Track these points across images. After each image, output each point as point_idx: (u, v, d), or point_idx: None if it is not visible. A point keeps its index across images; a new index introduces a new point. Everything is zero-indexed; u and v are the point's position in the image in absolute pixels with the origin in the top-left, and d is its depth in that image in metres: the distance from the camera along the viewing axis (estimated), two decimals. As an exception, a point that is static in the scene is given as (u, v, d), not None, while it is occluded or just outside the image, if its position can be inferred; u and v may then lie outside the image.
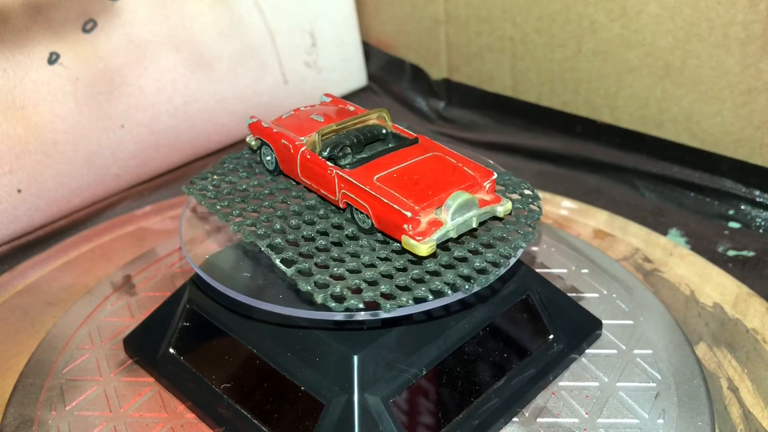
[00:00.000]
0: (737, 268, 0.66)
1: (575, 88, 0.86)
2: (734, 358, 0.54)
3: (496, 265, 0.42)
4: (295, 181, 0.49)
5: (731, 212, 0.75)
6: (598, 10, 0.80)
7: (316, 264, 0.42)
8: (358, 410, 0.42)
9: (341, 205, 0.45)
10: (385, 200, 0.41)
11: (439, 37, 0.97)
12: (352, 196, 0.44)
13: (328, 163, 0.45)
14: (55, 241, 0.72)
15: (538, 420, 0.48)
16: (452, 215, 0.41)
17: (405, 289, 0.40)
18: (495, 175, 0.44)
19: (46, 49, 0.72)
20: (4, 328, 0.59)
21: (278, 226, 0.45)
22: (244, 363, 0.48)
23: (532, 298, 0.51)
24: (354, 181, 0.43)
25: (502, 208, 0.43)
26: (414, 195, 0.42)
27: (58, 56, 0.73)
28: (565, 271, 0.62)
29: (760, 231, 0.72)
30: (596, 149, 0.85)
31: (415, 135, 0.48)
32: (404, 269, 0.42)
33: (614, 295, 0.58)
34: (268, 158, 0.50)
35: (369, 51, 1.05)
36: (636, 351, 0.53)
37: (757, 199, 0.75)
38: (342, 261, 0.42)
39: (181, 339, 0.51)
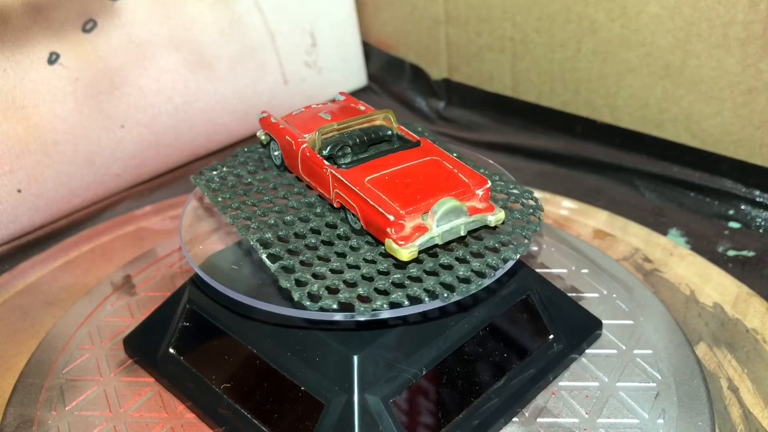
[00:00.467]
0: (737, 268, 0.66)
1: (575, 88, 0.86)
2: (734, 358, 0.54)
3: (481, 275, 0.41)
4: (298, 177, 0.50)
5: (731, 212, 0.75)
6: (598, 10, 0.80)
7: (301, 261, 0.42)
8: (358, 410, 0.42)
9: (335, 205, 0.45)
10: (371, 202, 0.41)
11: (439, 37, 0.97)
12: (344, 196, 0.44)
13: (325, 161, 0.45)
14: (55, 241, 0.72)
15: (538, 420, 0.48)
16: (437, 222, 0.41)
17: (383, 293, 0.40)
18: (489, 184, 0.43)
19: (46, 49, 0.72)
20: (4, 328, 0.59)
21: (272, 221, 0.46)
22: (244, 363, 0.48)
23: (532, 298, 0.51)
24: (345, 181, 0.43)
25: (494, 217, 0.42)
26: (401, 199, 0.41)
27: (58, 56, 0.73)
28: (565, 271, 0.62)
29: (760, 231, 0.72)
30: (596, 149, 0.85)
31: (418, 138, 0.47)
32: (387, 273, 0.41)
33: (614, 295, 0.58)
34: (276, 153, 0.51)
35: (369, 51, 1.05)
36: (636, 351, 0.53)
37: (757, 199, 0.75)
38: (327, 260, 0.42)
39: (181, 339, 0.51)
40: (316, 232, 0.45)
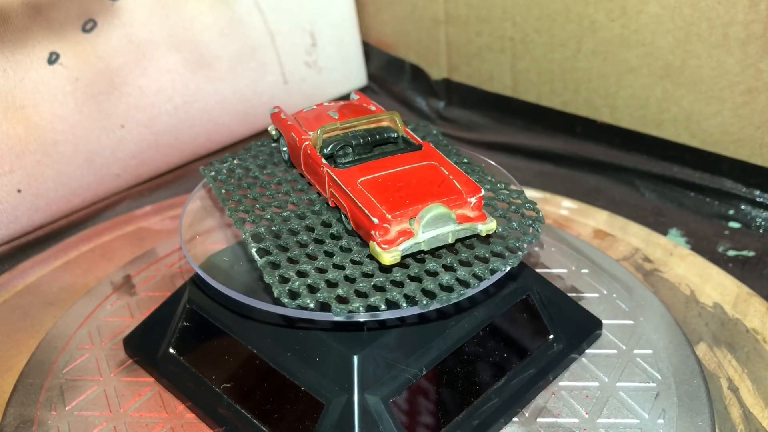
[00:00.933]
0: (737, 268, 0.66)
1: (575, 88, 0.86)
2: (734, 358, 0.54)
3: (465, 284, 0.40)
4: (302, 174, 0.50)
5: (731, 212, 0.75)
6: (598, 10, 0.80)
7: (288, 258, 0.42)
8: (358, 410, 0.42)
9: (331, 204, 0.45)
10: (359, 203, 0.41)
11: (439, 37, 0.97)
12: (337, 195, 0.44)
13: (323, 160, 0.45)
14: (55, 241, 0.72)
15: (538, 420, 0.48)
16: (423, 228, 0.40)
17: (362, 295, 0.40)
18: (482, 193, 0.42)
19: (46, 49, 0.72)
20: (4, 328, 0.59)
21: (269, 216, 0.46)
22: (244, 363, 0.48)
23: (532, 298, 0.51)
24: (338, 181, 0.43)
25: (485, 227, 0.42)
26: (390, 202, 0.41)
27: (58, 56, 0.73)
28: (565, 271, 0.62)
29: (760, 231, 0.72)
30: (596, 149, 0.85)
31: (421, 141, 0.47)
32: (371, 275, 0.41)
33: (614, 295, 0.58)
34: (284, 149, 0.51)
35: (369, 51, 1.05)
36: (636, 351, 0.53)
37: (757, 199, 0.75)
38: (314, 258, 0.42)
39: (181, 339, 0.51)
40: (310, 229, 0.45)
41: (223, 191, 0.49)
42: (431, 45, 0.99)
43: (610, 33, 0.80)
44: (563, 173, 0.84)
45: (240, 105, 0.89)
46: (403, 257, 0.41)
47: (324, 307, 0.39)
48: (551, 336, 0.51)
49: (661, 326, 0.55)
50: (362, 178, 0.43)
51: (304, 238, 0.44)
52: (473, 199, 0.42)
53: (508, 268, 0.42)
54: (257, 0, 0.88)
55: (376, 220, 0.40)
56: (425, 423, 0.44)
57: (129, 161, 0.81)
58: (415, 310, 0.40)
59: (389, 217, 0.40)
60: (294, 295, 0.40)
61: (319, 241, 0.44)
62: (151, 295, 0.61)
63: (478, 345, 0.48)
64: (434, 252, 0.42)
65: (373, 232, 0.40)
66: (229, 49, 0.87)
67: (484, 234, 0.42)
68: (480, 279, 0.41)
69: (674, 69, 0.77)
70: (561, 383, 0.50)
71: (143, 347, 0.53)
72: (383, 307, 0.39)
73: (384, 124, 0.48)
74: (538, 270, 0.57)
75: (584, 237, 0.68)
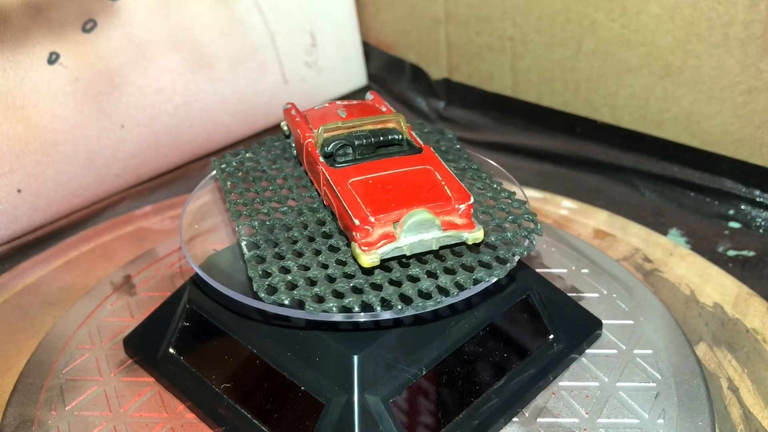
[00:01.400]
0: (737, 268, 0.66)
1: (575, 88, 0.86)
2: (734, 358, 0.54)
3: (444, 292, 0.40)
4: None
5: (731, 212, 0.75)
6: (598, 10, 0.80)
7: (276, 254, 0.43)
8: (358, 410, 0.42)
9: (325, 202, 0.45)
10: (344, 204, 0.41)
11: (439, 37, 0.97)
12: (328, 194, 0.44)
13: (321, 158, 0.45)
14: (55, 241, 0.72)
15: (538, 420, 0.48)
16: (405, 232, 0.40)
17: (339, 295, 0.40)
18: (471, 200, 0.41)
19: (46, 49, 0.72)
20: (4, 328, 0.59)
21: (265, 211, 0.46)
22: (244, 363, 0.48)
23: (532, 298, 0.51)
24: (330, 180, 0.43)
25: (471, 235, 0.41)
26: (375, 204, 0.40)
27: (58, 56, 0.73)
28: (565, 271, 0.62)
29: (760, 231, 0.72)
30: (596, 149, 0.85)
31: (422, 145, 0.46)
32: (352, 276, 0.41)
33: (614, 295, 0.58)
34: (293, 145, 0.51)
35: (369, 51, 1.05)
36: (636, 351, 0.53)
37: (757, 199, 0.75)
38: (301, 255, 0.43)
39: (181, 339, 0.51)
40: (304, 226, 0.45)
41: (228, 183, 0.49)
42: (431, 45, 0.99)
43: (610, 33, 0.80)
44: (563, 173, 0.84)
45: (240, 105, 0.89)
46: (387, 260, 0.41)
47: (301, 304, 0.39)
48: (551, 336, 0.51)
49: (661, 326, 0.55)
50: (353, 179, 0.43)
51: (296, 234, 0.44)
52: (462, 206, 0.41)
53: (494, 279, 0.41)
54: (257, 0, 0.88)
55: (357, 222, 0.40)
56: (425, 423, 0.44)
57: (129, 161, 0.81)
58: (389, 315, 0.39)
59: (372, 219, 0.40)
60: (273, 290, 0.40)
61: (311, 239, 0.44)
62: (151, 295, 0.61)
63: (478, 345, 0.48)
64: (421, 257, 0.42)
65: (354, 234, 0.40)
66: (229, 49, 0.87)
67: (470, 243, 0.41)
68: (461, 288, 0.40)
69: (674, 69, 0.77)
70: (561, 383, 0.50)
71: (143, 347, 0.53)
72: (357, 309, 0.39)
73: (390, 125, 0.47)
74: (538, 270, 0.57)
75: (584, 237, 0.68)
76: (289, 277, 0.41)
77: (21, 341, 0.58)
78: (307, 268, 0.42)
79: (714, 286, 0.61)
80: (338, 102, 0.53)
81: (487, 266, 0.42)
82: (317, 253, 0.43)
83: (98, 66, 0.76)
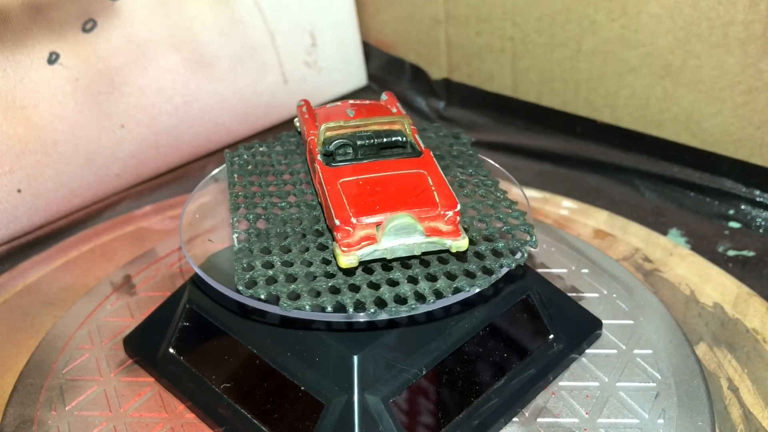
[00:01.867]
0: (737, 268, 0.66)
1: (575, 88, 0.86)
2: (734, 358, 0.54)
3: (421, 298, 0.40)
4: None
5: (731, 212, 0.75)
6: (598, 10, 0.80)
7: (264, 248, 0.43)
8: (358, 410, 0.42)
9: (321, 200, 0.46)
10: (329, 203, 0.41)
11: (439, 37, 0.97)
12: (318, 192, 0.44)
13: (318, 156, 0.45)
14: (55, 241, 0.72)
15: (538, 420, 0.48)
16: (386, 236, 0.39)
17: (315, 294, 0.40)
18: (458, 207, 0.41)
19: (46, 49, 0.72)
20: (4, 328, 0.59)
21: (263, 205, 0.46)
22: (244, 363, 0.48)
23: (532, 298, 0.51)
24: (321, 179, 0.43)
25: (455, 243, 0.40)
26: (359, 206, 0.40)
27: (58, 56, 0.73)
28: (565, 271, 0.62)
29: (760, 231, 0.72)
30: (596, 149, 0.85)
31: (423, 148, 0.46)
32: (333, 275, 0.41)
33: (614, 295, 0.58)
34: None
35: (369, 51, 1.05)
36: (636, 351, 0.53)
37: (757, 199, 0.75)
38: (288, 251, 0.43)
39: (181, 339, 0.51)
40: (299, 222, 0.45)
41: (236, 176, 0.50)
42: (431, 45, 0.99)
43: (610, 33, 0.80)
44: (563, 173, 0.84)
45: (240, 105, 0.89)
46: (370, 263, 0.41)
47: (278, 300, 0.40)
48: (551, 336, 0.51)
49: (661, 326, 0.55)
50: (344, 179, 0.42)
51: (288, 230, 0.44)
52: (448, 213, 0.40)
53: (476, 290, 0.41)
54: (257, 0, 0.88)
55: (338, 222, 0.40)
56: (425, 423, 0.44)
57: (129, 161, 0.81)
58: (362, 317, 0.39)
59: (353, 220, 0.39)
60: (253, 284, 0.40)
61: (303, 236, 0.44)
62: (151, 295, 0.61)
63: (478, 345, 0.48)
64: (406, 262, 0.42)
65: (336, 233, 0.40)
66: (229, 49, 0.87)
67: (453, 251, 0.41)
68: (440, 296, 0.40)
69: (674, 69, 0.77)
70: (561, 383, 0.50)
71: (143, 347, 0.53)
72: (329, 309, 0.39)
73: (394, 127, 0.47)
74: (538, 270, 0.57)
75: (584, 237, 0.68)
76: (270, 272, 0.41)
77: (21, 341, 0.58)
78: (291, 265, 0.42)
79: (714, 286, 0.61)
80: (350, 101, 0.53)
81: (471, 276, 0.41)
82: (305, 250, 0.43)
83: (98, 66, 0.76)
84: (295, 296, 0.40)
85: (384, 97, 0.54)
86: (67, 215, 0.77)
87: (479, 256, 0.43)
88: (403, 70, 1.04)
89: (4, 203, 0.71)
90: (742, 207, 0.75)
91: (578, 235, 0.68)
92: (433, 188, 0.42)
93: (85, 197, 0.78)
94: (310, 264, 0.42)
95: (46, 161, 0.73)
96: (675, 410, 0.48)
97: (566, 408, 0.48)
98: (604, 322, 0.55)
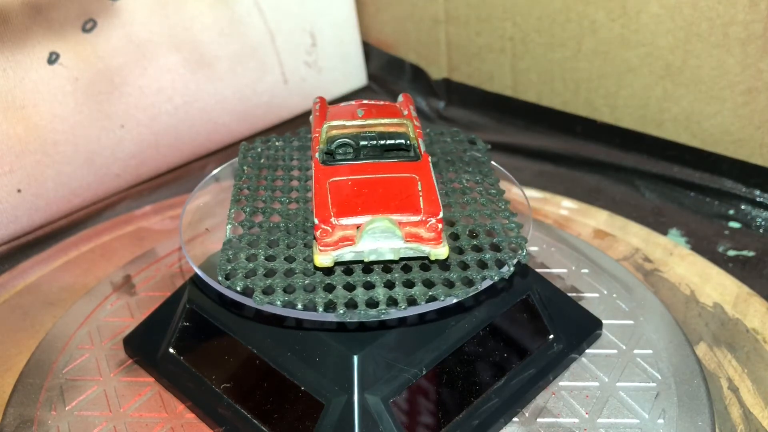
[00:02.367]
0: (737, 268, 0.66)
1: (575, 88, 0.86)
2: (734, 358, 0.54)
3: (394, 303, 0.39)
4: None
5: (731, 212, 0.75)
6: (598, 10, 0.80)
7: (251, 240, 0.44)
8: (358, 410, 0.42)
9: None
10: (314, 201, 0.41)
11: (439, 37, 0.97)
12: (311, 190, 0.44)
13: (317, 155, 0.45)
14: (55, 241, 0.72)
15: (538, 420, 0.48)
16: (362, 238, 0.39)
17: (290, 290, 0.40)
18: (440, 215, 0.40)
19: (46, 49, 0.72)
20: (4, 328, 0.59)
21: (263, 198, 0.47)
22: (244, 363, 0.48)
23: (532, 298, 0.51)
24: (313, 177, 0.43)
25: (434, 251, 0.40)
26: (342, 206, 0.40)
27: (58, 56, 0.73)
28: (565, 271, 0.62)
29: (761, 231, 0.72)
30: (596, 149, 0.85)
31: (422, 152, 0.45)
32: (312, 273, 0.41)
33: (614, 295, 0.58)
34: None
35: (369, 51, 1.05)
36: (636, 351, 0.53)
37: (758, 199, 0.75)
38: (275, 246, 0.43)
39: (181, 339, 0.51)
40: (295, 218, 0.46)
41: (245, 168, 0.50)
42: (431, 45, 0.99)
43: (610, 33, 0.80)
44: (563, 173, 0.84)
45: (240, 105, 0.89)
46: (350, 263, 0.41)
47: (249, 293, 0.40)
48: (551, 336, 0.51)
49: (661, 326, 0.55)
50: (334, 178, 0.42)
51: (281, 225, 0.45)
52: (431, 220, 0.40)
53: (453, 301, 0.40)
54: (257, 0, 0.88)
55: (316, 221, 0.40)
56: (425, 423, 0.44)
57: (129, 161, 0.81)
58: (330, 318, 0.39)
59: (333, 220, 0.40)
60: (232, 275, 0.41)
61: (293, 232, 0.45)
62: (151, 295, 0.61)
63: (478, 345, 0.48)
64: (388, 266, 0.42)
65: (315, 232, 0.40)
66: (229, 49, 0.87)
67: (432, 258, 0.41)
68: (413, 303, 0.39)
69: (674, 69, 0.77)
70: (561, 383, 0.50)
71: (143, 347, 0.53)
72: (300, 306, 0.39)
73: (399, 129, 0.46)
74: (538, 270, 0.57)
75: (584, 237, 0.68)
76: (251, 266, 0.42)
77: (21, 341, 0.58)
78: (273, 259, 0.42)
79: (714, 286, 0.61)
80: (365, 101, 0.52)
81: (449, 285, 0.40)
82: (291, 246, 0.43)
83: (98, 66, 0.76)
84: (271, 291, 0.40)
85: (401, 98, 0.54)
86: (67, 215, 0.77)
87: (463, 265, 0.42)
88: (403, 70, 1.04)
89: (4, 203, 0.71)
90: (742, 207, 0.75)
91: (578, 235, 0.68)
92: (420, 194, 0.41)
93: (85, 197, 0.78)
94: (292, 260, 0.42)
95: (46, 161, 0.73)
96: (675, 410, 0.48)
97: (566, 408, 0.48)
98: (604, 322, 0.55)
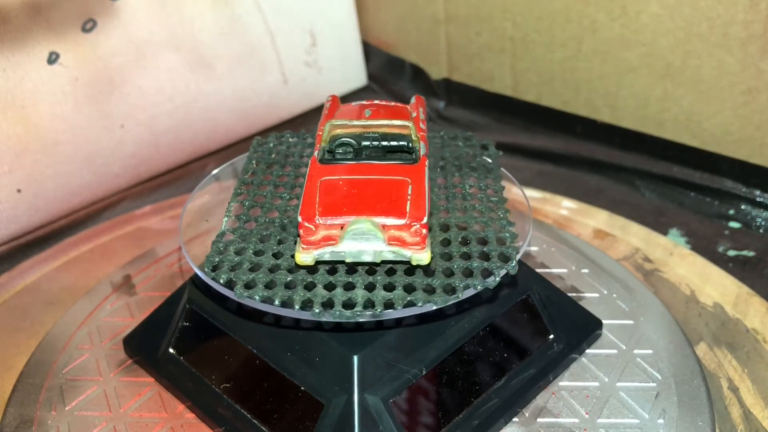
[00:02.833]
0: (737, 268, 0.66)
1: (575, 87, 0.86)
2: (734, 358, 0.54)
3: (371, 305, 0.39)
4: None
5: (731, 212, 0.75)
6: (598, 9, 0.80)
7: (242, 235, 0.44)
8: (358, 410, 0.42)
9: None
10: (302, 199, 0.41)
11: (439, 37, 0.97)
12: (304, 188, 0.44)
13: (315, 153, 0.45)
14: (55, 241, 0.72)
15: (538, 420, 0.48)
16: (344, 238, 0.39)
17: (271, 286, 0.40)
18: (424, 220, 0.40)
19: (45, 49, 0.72)
20: (4, 328, 0.59)
21: (264, 194, 0.47)
22: (244, 363, 0.48)
23: (532, 298, 0.51)
24: (306, 174, 0.44)
25: (416, 256, 0.40)
26: (328, 205, 0.40)
27: (57, 56, 0.73)
28: (565, 271, 0.62)
29: (761, 231, 0.72)
30: (596, 149, 0.85)
31: (421, 156, 0.45)
32: (293, 271, 0.41)
33: (614, 295, 0.58)
34: None
35: (369, 51, 1.05)
36: (636, 351, 0.53)
37: (758, 199, 0.75)
38: (266, 241, 0.44)
39: (181, 339, 0.51)
40: (289, 215, 0.46)
41: (254, 162, 0.51)
42: (431, 45, 0.99)
43: (611, 33, 0.80)
44: (563, 173, 0.84)
45: (240, 105, 0.89)
46: (333, 263, 0.41)
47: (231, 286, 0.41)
48: (551, 336, 0.51)
49: (661, 326, 0.55)
50: (326, 177, 0.43)
51: (276, 221, 0.45)
52: (415, 225, 0.40)
53: (433, 308, 0.39)
54: (257, 0, 0.88)
55: (300, 219, 0.40)
56: (425, 423, 0.44)
57: (129, 161, 0.81)
58: (306, 316, 0.39)
59: (317, 219, 0.40)
60: (218, 267, 0.42)
61: (288, 229, 0.45)
62: (151, 295, 0.61)
63: (478, 345, 0.48)
64: (373, 268, 0.42)
65: (299, 230, 0.40)
66: (229, 49, 0.87)
67: (414, 263, 0.40)
68: (389, 307, 0.39)
69: (674, 69, 0.77)
70: (561, 383, 0.50)
71: (143, 347, 0.53)
72: (277, 303, 0.39)
73: (402, 131, 0.46)
74: (538, 270, 0.57)
75: (584, 237, 0.68)
76: (237, 259, 0.42)
77: (21, 341, 0.58)
78: (261, 254, 0.43)
79: (714, 286, 0.61)
80: (376, 101, 0.52)
81: (430, 292, 0.40)
82: (282, 242, 0.44)
83: (98, 66, 0.76)
84: (253, 285, 0.41)
85: (413, 100, 0.54)
86: (67, 215, 0.77)
87: (449, 272, 0.41)
88: (403, 70, 1.04)
89: (4, 203, 0.71)
90: (742, 207, 0.75)
91: (578, 235, 0.68)
92: (409, 197, 0.41)
93: (85, 197, 0.78)
94: (280, 256, 0.43)
95: (46, 161, 0.73)
96: (675, 410, 0.48)
97: (566, 408, 0.48)
98: (604, 322, 0.55)
